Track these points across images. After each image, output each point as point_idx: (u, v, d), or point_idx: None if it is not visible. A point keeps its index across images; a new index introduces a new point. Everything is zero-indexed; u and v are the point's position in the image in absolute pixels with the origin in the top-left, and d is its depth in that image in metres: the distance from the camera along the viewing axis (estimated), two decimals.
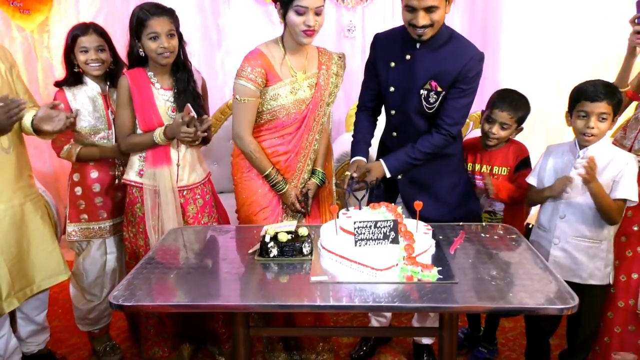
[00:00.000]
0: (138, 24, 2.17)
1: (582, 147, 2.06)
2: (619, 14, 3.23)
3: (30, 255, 2.18)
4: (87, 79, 2.39)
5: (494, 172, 2.32)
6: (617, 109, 2.01)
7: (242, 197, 2.35)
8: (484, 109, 2.36)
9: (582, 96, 2.02)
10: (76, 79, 2.38)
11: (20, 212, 2.12)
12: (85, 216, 2.44)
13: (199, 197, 2.40)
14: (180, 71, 2.29)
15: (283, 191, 2.29)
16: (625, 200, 2.01)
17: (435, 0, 1.93)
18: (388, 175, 2.16)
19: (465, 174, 2.36)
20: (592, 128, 1.99)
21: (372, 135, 2.37)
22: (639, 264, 2.17)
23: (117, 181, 2.44)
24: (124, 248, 2.48)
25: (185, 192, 2.35)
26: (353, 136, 2.36)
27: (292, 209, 2.34)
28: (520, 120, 2.30)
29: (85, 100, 2.37)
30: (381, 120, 2.39)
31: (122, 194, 2.45)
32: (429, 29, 1.99)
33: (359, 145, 2.30)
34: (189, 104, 2.17)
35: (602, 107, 1.98)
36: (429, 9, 1.95)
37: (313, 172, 2.38)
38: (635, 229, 2.18)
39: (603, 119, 1.99)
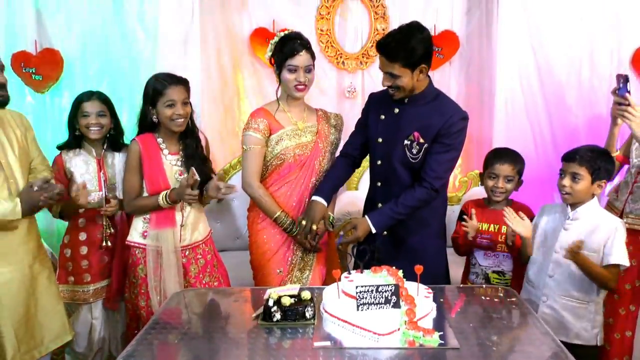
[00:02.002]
0: (155, 92, 2.28)
1: (572, 207, 2.12)
2: (610, 74, 3.36)
3: (38, 316, 2.17)
4: (85, 143, 2.49)
5: (502, 231, 2.34)
6: (597, 173, 2.06)
7: (254, 245, 2.48)
8: (481, 171, 2.43)
9: (563, 157, 2.14)
10: (76, 142, 2.49)
11: (29, 273, 2.13)
12: (72, 278, 2.49)
13: (200, 256, 2.44)
14: (189, 137, 2.39)
15: (294, 233, 2.38)
16: (618, 266, 2.04)
17: (394, 68, 2.10)
18: (374, 230, 2.22)
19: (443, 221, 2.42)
20: (564, 186, 2.07)
21: (342, 180, 2.49)
22: (632, 322, 2.20)
23: (104, 243, 2.49)
24: (110, 312, 2.56)
25: (187, 251, 2.39)
26: (325, 174, 2.46)
27: (304, 247, 2.41)
28: (520, 172, 2.37)
29: (79, 163, 2.48)
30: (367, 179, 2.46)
31: (109, 257, 2.52)
32: (395, 90, 2.15)
33: (326, 184, 2.40)
34: (193, 168, 2.25)
35: (573, 167, 2.07)
36: (391, 75, 2.11)
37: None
38: (628, 287, 2.21)
39: (575, 178, 2.06)
